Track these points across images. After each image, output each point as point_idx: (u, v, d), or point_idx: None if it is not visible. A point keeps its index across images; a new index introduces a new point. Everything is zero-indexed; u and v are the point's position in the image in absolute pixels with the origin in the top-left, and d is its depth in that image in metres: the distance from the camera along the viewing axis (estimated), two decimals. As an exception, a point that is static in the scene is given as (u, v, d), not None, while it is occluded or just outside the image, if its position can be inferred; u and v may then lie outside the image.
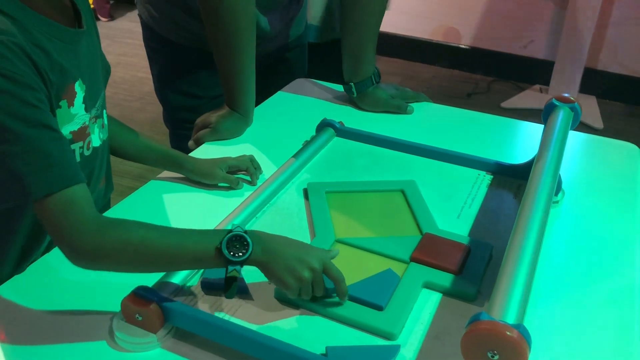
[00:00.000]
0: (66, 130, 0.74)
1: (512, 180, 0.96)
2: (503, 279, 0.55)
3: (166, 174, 0.97)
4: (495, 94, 3.01)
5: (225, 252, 0.64)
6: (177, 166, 0.94)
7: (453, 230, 0.82)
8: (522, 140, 1.17)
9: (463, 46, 3.27)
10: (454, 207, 0.90)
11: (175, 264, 0.67)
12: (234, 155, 0.98)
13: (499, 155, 1.03)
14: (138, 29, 1.24)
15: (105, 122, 0.84)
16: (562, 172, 0.81)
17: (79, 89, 0.74)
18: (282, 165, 0.97)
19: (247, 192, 0.93)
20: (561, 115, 0.86)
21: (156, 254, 0.65)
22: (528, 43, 3.06)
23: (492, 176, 0.97)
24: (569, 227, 0.87)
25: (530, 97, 2.99)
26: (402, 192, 0.90)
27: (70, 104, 0.73)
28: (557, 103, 0.89)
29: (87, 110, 0.77)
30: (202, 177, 0.94)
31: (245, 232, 0.65)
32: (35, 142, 0.61)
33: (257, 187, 0.92)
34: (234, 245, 0.64)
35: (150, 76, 1.30)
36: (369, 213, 0.86)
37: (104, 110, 0.84)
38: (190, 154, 1.01)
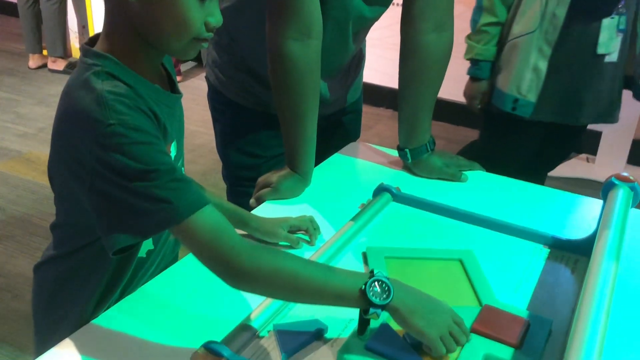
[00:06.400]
0: None
1: (569, 255, 0.96)
2: None
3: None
4: (540, 161, 2.99)
5: (369, 294, 0.68)
6: (242, 224, 0.98)
7: (511, 303, 0.83)
8: (576, 214, 1.17)
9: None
10: (511, 279, 0.91)
11: (318, 297, 0.72)
12: (292, 214, 1.01)
13: (553, 227, 1.04)
14: (193, 84, 1.31)
15: None
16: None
17: (174, 149, 0.80)
18: (341, 229, 1.00)
19: (306, 251, 0.96)
20: (621, 195, 0.87)
21: (303, 285, 0.70)
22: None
23: (549, 250, 0.98)
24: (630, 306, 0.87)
25: (577, 166, 2.98)
26: (461, 261, 0.92)
27: None
28: (616, 182, 0.91)
29: None
30: (265, 236, 0.98)
31: (387, 278, 0.69)
32: (172, 173, 0.68)
33: (316, 248, 0.95)
34: (373, 288, 0.68)
35: (202, 129, 1.36)
36: (428, 281, 0.88)
37: (183, 168, 0.90)
38: (252, 212, 1.05)
